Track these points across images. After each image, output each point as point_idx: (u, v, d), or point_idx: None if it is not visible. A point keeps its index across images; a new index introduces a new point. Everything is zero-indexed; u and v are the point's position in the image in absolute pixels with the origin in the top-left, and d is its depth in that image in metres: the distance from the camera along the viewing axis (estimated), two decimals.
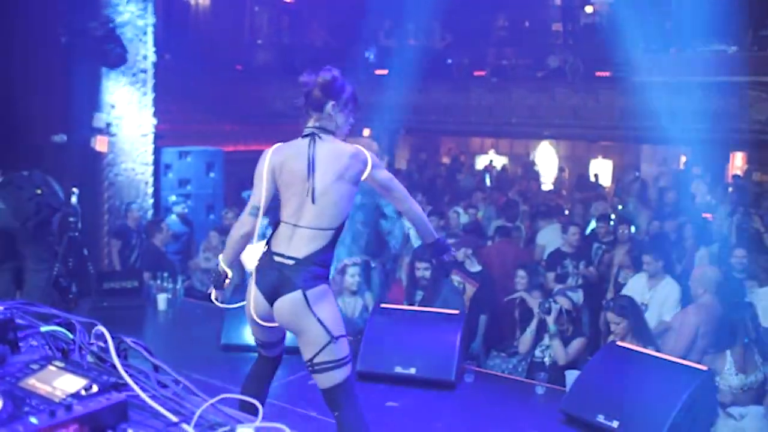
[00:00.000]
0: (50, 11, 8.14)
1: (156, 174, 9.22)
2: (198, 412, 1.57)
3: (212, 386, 4.43)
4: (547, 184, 14.87)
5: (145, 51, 8.82)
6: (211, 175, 9.71)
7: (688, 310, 5.01)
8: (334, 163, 3.06)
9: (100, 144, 8.49)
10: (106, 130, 8.51)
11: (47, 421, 1.38)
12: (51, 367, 1.62)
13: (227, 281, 3.34)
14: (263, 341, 3.29)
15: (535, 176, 14.51)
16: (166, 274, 6.39)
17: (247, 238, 3.24)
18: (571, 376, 4.28)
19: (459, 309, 5.05)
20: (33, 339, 1.90)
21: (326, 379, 3.06)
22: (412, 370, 4.46)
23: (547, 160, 18.04)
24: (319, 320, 2.98)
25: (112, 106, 8.56)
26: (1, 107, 8.27)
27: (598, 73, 12.90)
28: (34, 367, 1.62)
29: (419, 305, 5.45)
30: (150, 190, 9.14)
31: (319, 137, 3.09)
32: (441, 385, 4.43)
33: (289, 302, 3.02)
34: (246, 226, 3.20)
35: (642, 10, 13.44)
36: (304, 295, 2.99)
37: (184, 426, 1.52)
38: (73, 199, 5.19)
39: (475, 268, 5.81)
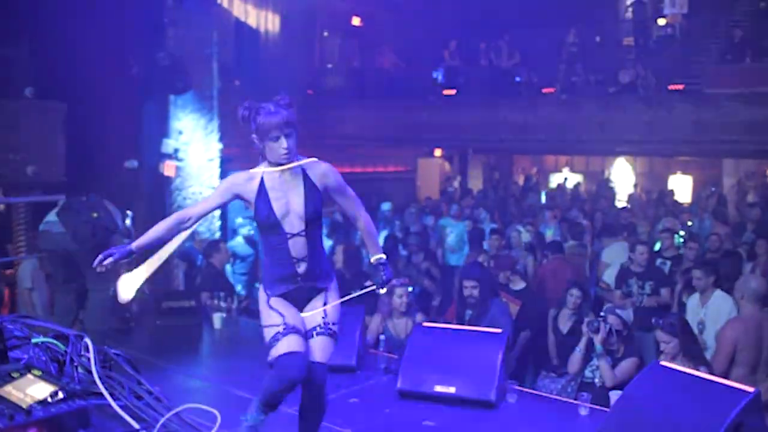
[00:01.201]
0: (121, 43, 8.55)
1: None
2: (161, 421, 1.62)
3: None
4: (622, 201, 14.50)
5: (210, 78, 9.14)
6: None
7: (726, 324, 4.79)
8: None
9: (168, 169, 8.82)
10: (174, 156, 8.83)
11: (6, 424, 1.46)
12: (29, 376, 1.70)
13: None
14: None
15: (609, 193, 14.16)
16: (222, 294, 6.54)
17: None
18: (616, 396, 4.14)
19: (507, 328, 4.98)
20: (32, 350, 1.99)
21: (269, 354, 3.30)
22: (452, 389, 4.41)
23: (623, 177, 17.61)
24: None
25: (180, 132, 8.89)
26: (78, 135, 8.73)
27: (671, 87, 12.54)
28: (15, 375, 1.70)
29: (468, 324, 5.40)
30: (217, 212, 9.42)
31: None
32: (481, 405, 4.35)
33: None
34: None
35: (715, 20, 13.03)
36: None
37: None
38: (127, 222, 5.41)
39: (519, 285, 5.71)
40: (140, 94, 8.69)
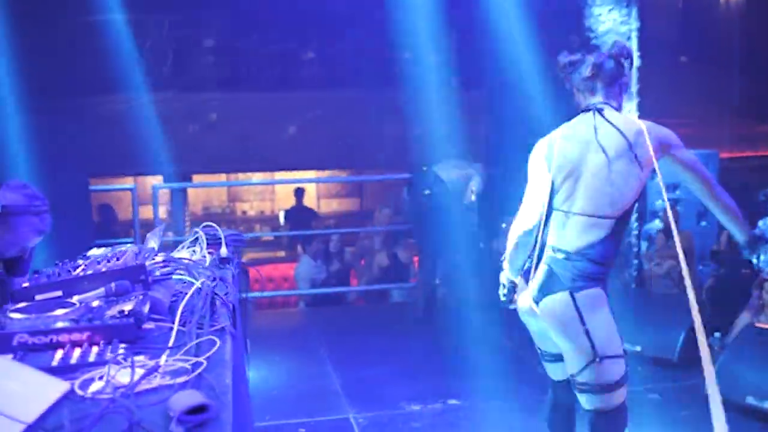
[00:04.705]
0: (538, 29, 8.88)
1: None
2: (184, 349, 1.94)
3: None
4: None
5: None
6: None
7: None
8: (616, 140, 2.76)
9: None
10: None
11: (72, 325, 1.97)
12: (136, 298, 2.20)
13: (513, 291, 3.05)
14: (541, 350, 3.04)
15: None
16: None
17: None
18: None
19: None
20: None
21: (587, 401, 2.75)
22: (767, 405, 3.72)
23: None
24: (586, 331, 2.65)
25: None
26: (497, 120, 9.40)
27: None
28: (132, 298, 2.23)
29: None
30: None
31: (601, 112, 2.84)
32: None
33: (554, 304, 2.73)
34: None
35: None
36: (572, 297, 2.67)
37: (165, 354, 1.92)
38: (473, 198, 5.74)
39: None
40: (556, 77, 8.90)
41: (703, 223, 9.14)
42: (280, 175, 10.67)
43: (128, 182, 9.72)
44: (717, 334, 4.76)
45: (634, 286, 7.75)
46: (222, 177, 10.70)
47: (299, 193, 10.59)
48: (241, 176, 11.06)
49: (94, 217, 7.23)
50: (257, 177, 11.14)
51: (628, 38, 8.85)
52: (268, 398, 4.38)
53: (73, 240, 4.43)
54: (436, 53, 8.94)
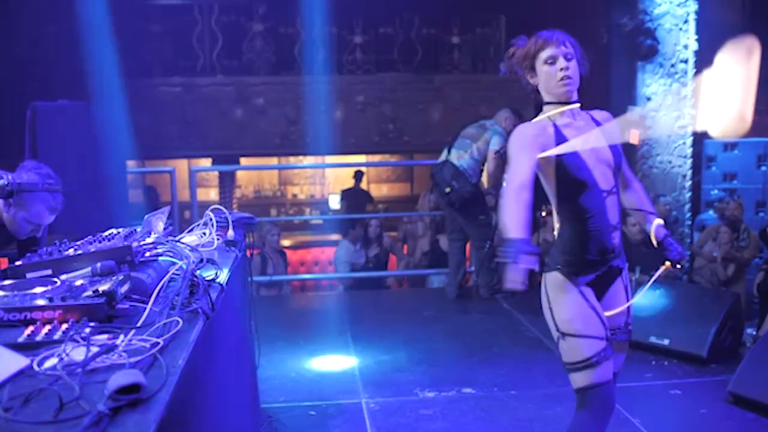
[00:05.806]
0: (591, 12, 8.68)
1: (697, 167, 8.82)
2: (150, 330, 1.98)
3: None
4: None
5: (685, 40, 8.52)
6: (762, 168, 8.77)
7: None
8: None
9: (633, 137, 8.61)
10: (640, 123, 8.59)
11: (46, 303, 2.03)
12: (118, 278, 2.25)
13: None
14: None
15: None
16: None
17: None
18: None
19: None
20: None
21: (571, 380, 2.70)
22: None
23: None
24: (550, 309, 2.67)
25: (648, 99, 8.57)
26: None
27: None
28: (114, 279, 2.28)
29: None
30: (688, 183, 8.80)
31: None
32: None
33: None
34: None
35: None
36: (544, 277, 2.71)
37: (129, 334, 1.96)
38: (502, 180, 5.63)
39: None
40: (609, 61, 8.69)
41: (761, 214, 8.82)
42: (330, 159, 10.75)
43: (181, 165, 9.95)
44: (750, 330, 4.57)
45: (685, 278, 7.54)
46: (273, 160, 10.81)
47: (358, 175, 10.69)
48: (292, 159, 11.16)
49: (139, 199, 7.43)
50: (308, 161, 11.24)
51: (686, 21, 8.55)
52: (285, 379, 4.43)
53: (107, 221, 4.53)
54: (485, 37, 8.84)
